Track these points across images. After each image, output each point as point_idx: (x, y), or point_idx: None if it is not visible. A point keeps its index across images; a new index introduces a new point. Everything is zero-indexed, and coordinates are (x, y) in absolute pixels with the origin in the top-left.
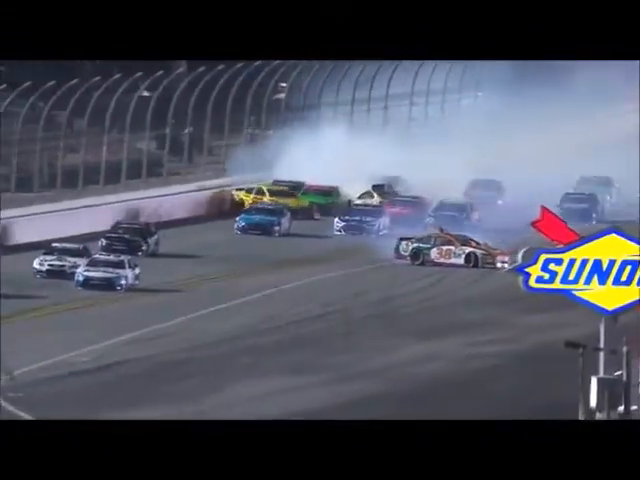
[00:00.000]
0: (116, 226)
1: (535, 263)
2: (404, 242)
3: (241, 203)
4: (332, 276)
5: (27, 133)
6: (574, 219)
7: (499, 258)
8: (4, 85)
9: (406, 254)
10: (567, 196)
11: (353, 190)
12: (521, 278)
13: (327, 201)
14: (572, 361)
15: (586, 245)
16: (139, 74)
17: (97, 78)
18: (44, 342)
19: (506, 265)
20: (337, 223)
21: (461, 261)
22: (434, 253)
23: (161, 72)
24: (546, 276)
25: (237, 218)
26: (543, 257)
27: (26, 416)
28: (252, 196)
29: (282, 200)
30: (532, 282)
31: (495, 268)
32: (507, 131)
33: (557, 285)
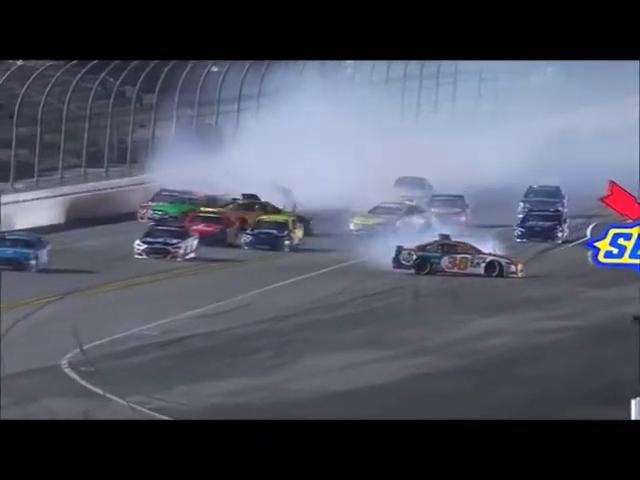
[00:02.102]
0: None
1: (604, 238)
2: (405, 251)
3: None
4: None
5: (97, 108)
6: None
7: (520, 267)
8: (75, 61)
9: (409, 264)
10: (531, 189)
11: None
12: (590, 253)
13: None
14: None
15: None
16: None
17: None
18: (114, 317)
19: (520, 274)
20: (137, 246)
21: (480, 271)
22: (445, 262)
23: None
24: (615, 251)
25: None
26: (612, 232)
27: (98, 390)
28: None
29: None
30: (601, 257)
31: (517, 277)
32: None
33: (626, 260)
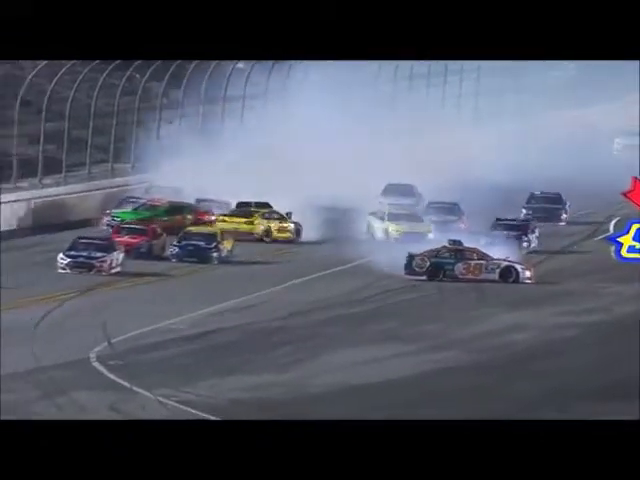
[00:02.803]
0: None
1: (627, 233)
2: (417, 257)
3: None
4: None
5: (124, 105)
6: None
7: (532, 272)
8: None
9: (422, 270)
10: (533, 196)
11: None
12: (613, 248)
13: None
14: None
15: None
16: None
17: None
18: (140, 311)
19: (528, 280)
20: (61, 260)
21: (495, 276)
22: (460, 269)
23: None
24: (638, 245)
25: None
26: (635, 227)
27: (125, 383)
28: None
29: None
30: (624, 252)
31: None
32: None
33: None
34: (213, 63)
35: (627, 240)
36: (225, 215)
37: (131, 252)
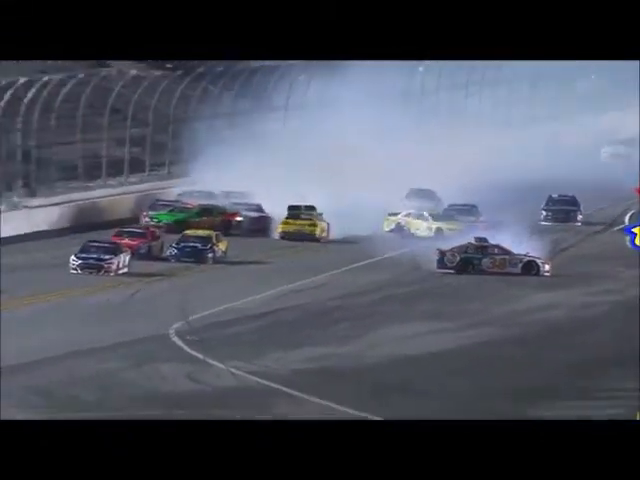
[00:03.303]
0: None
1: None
2: (448, 253)
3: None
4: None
5: (197, 112)
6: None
7: (549, 266)
8: (181, 71)
9: (452, 265)
10: (551, 198)
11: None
12: (628, 238)
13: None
14: None
15: None
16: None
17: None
18: (215, 292)
19: (547, 273)
20: (72, 261)
21: (517, 270)
22: (486, 263)
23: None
24: None
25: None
26: None
27: (200, 356)
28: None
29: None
30: (637, 241)
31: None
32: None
33: None
34: (276, 74)
35: None
36: (289, 218)
37: (133, 254)
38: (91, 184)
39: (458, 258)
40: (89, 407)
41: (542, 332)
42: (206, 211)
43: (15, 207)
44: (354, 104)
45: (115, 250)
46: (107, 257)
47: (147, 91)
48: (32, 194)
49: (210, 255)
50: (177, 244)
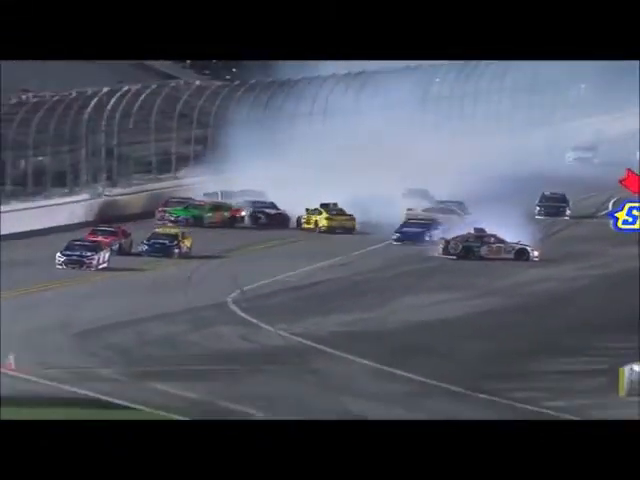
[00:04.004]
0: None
1: (622, 210)
2: (452, 242)
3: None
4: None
5: (253, 116)
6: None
7: (537, 253)
8: (237, 81)
9: (455, 252)
10: (544, 195)
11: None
12: (611, 221)
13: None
14: None
15: None
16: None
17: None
18: (264, 267)
19: (536, 259)
20: (58, 258)
21: (511, 256)
22: (484, 250)
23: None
24: (630, 219)
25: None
26: (628, 205)
27: (253, 320)
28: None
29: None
30: (619, 224)
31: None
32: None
33: (637, 226)
34: (319, 84)
35: (621, 215)
36: (332, 215)
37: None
38: (162, 176)
39: (460, 246)
40: (159, 362)
41: (538, 301)
42: (217, 207)
43: (99, 196)
44: (373, 109)
45: (96, 248)
46: (89, 254)
47: (209, 98)
48: (113, 185)
49: (176, 250)
50: (148, 240)
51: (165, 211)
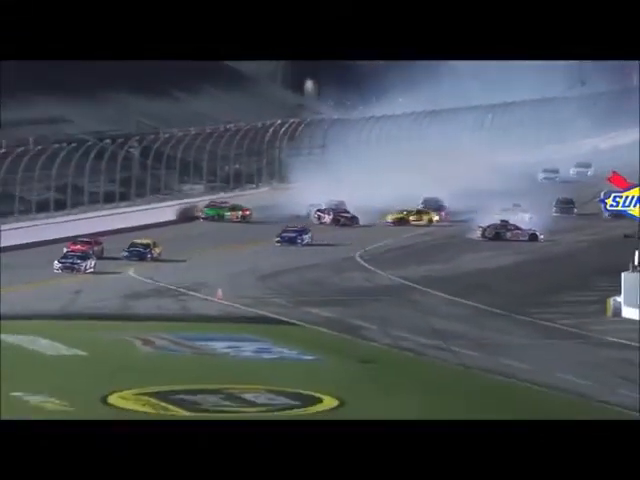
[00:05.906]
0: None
1: (609, 197)
2: (487, 229)
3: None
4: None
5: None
6: (564, 212)
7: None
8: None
9: (490, 236)
10: (558, 200)
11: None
12: (601, 205)
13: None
14: (631, 246)
15: (633, 190)
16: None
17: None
18: (377, 235)
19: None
20: (56, 264)
21: (526, 239)
22: (508, 235)
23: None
24: (614, 204)
25: None
26: (612, 194)
27: (371, 268)
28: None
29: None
30: (607, 207)
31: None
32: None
33: (620, 208)
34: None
35: (609, 201)
36: (410, 214)
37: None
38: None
39: (494, 232)
40: (312, 295)
41: (550, 257)
42: (234, 208)
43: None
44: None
45: (85, 257)
46: (79, 262)
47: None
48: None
49: (149, 256)
50: (128, 248)
51: (202, 211)
